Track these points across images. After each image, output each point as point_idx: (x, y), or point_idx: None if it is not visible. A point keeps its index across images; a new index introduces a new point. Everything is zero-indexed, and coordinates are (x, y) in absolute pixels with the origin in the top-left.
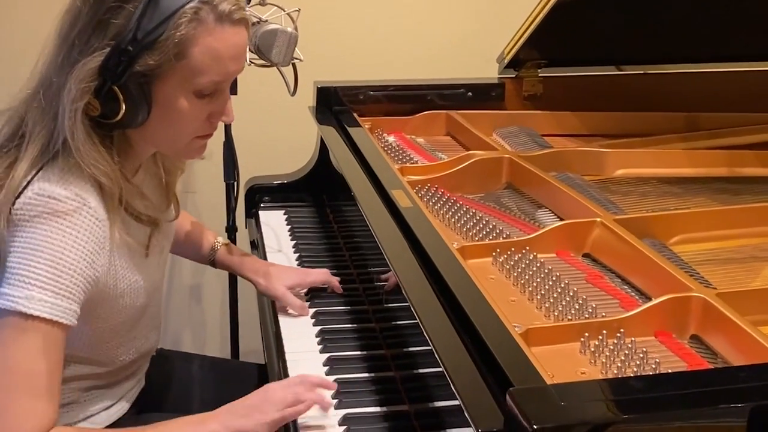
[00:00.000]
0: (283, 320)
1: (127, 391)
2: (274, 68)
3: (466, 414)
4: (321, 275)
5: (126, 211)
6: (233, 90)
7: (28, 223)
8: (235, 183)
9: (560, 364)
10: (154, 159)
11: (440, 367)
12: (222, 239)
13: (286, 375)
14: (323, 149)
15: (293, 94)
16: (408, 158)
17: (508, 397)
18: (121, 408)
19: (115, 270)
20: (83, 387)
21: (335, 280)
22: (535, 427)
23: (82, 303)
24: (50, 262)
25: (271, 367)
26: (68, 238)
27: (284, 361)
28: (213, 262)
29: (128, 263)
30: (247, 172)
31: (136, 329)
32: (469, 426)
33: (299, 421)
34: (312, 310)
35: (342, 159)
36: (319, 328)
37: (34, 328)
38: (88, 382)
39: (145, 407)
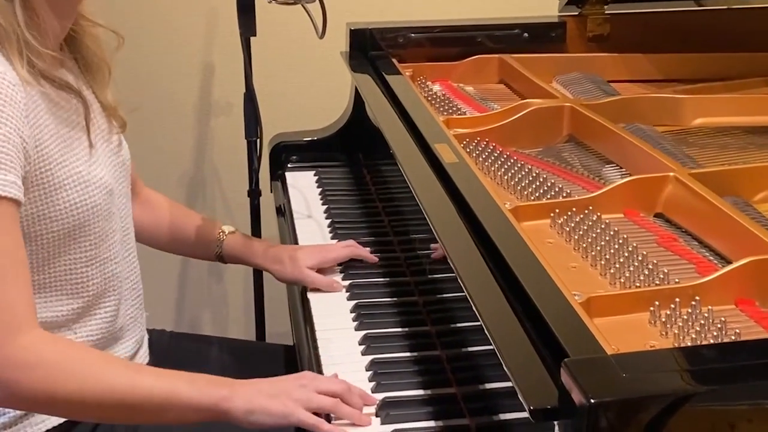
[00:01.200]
0: (313, 295)
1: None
2: (299, 6)
3: (516, 390)
4: (344, 249)
5: (45, 78)
6: (251, 31)
7: None
8: (258, 141)
9: (626, 337)
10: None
11: (491, 343)
12: (228, 228)
13: (317, 356)
14: (358, 101)
15: (322, 36)
16: (455, 109)
17: (562, 368)
18: None
19: (48, 152)
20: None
21: (364, 250)
22: (593, 401)
23: (21, 179)
24: None
25: (300, 347)
26: None
27: (315, 340)
28: (221, 257)
29: (64, 148)
30: (271, 129)
31: (101, 243)
32: (523, 409)
33: None
34: (346, 283)
35: (379, 111)
36: (354, 302)
37: None
38: (65, 327)
39: None
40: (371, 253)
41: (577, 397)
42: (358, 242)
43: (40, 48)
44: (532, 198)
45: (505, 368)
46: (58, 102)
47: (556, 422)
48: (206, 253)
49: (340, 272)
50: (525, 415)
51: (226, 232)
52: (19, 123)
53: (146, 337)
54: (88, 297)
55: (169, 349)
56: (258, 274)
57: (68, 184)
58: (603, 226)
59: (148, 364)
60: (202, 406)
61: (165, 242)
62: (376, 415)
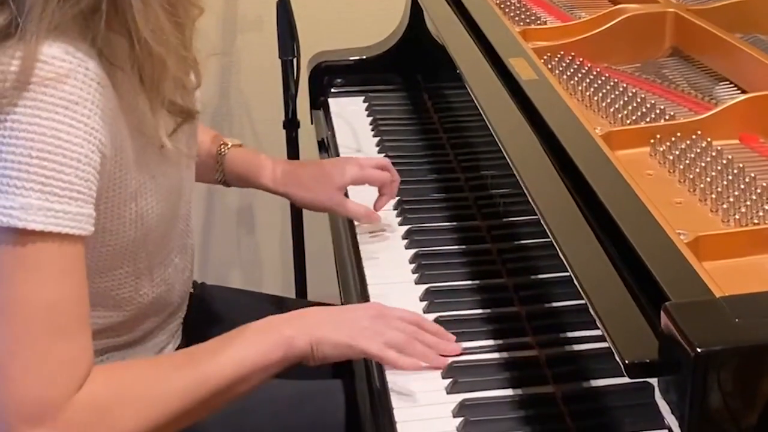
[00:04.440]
0: (363, 238)
1: (160, 348)
2: None
3: (609, 342)
4: (381, 173)
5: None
6: None
7: (4, 100)
8: (295, 60)
9: (743, 283)
10: None
11: (579, 295)
12: (232, 140)
13: None
14: (415, 11)
15: None
16: (534, 18)
17: (663, 313)
18: None
19: (125, 160)
20: (97, 350)
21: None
22: (699, 350)
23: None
24: (46, 151)
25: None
26: (64, 114)
27: (366, 297)
28: (223, 177)
29: (139, 149)
30: (310, 46)
31: (159, 250)
32: (617, 374)
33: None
34: (403, 229)
35: (442, 22)
36: (413, 251)
37: (41, 247)
38: (103, 341)
39: None
40: (433, 192)
41: (680, 345)
42: (417, 180)
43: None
44: (628, 122)
45: (594, 316)
46: (137, 106)
47: (655, 382)
48: (206, 172)
49: (397, 215)
50: (620, 380)
51: (229, 145)
52: (104, 135)
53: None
54: (133, 310)
55: (199, 304)
56: (297, 221)
57: (140, 194)
58: (714, 154)
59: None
60: (271, 361)
61: None
62: (443, 381)
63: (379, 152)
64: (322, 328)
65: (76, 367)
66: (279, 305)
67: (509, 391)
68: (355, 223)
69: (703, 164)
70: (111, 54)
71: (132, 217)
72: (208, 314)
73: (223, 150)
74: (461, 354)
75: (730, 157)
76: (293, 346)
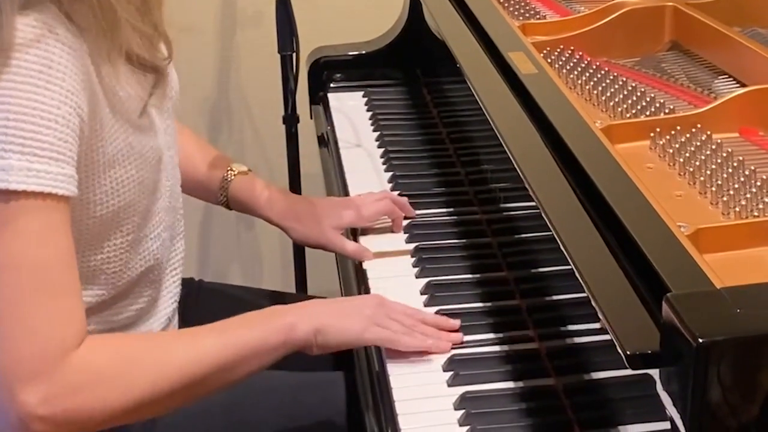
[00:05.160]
0: (365, 238)
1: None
2: None
3: (610, 333)
4: (379, 203)
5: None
6: None
7: None
8: (294, 56)
9: (742, 275)
10: None
11: (581, 287)
12: (240, 167)
13: None
14: (415, 5)
15: None
16: (533, 12)
17: (664, 304)
18: None
19: (102, 125)
20: (90, 330)
21: (403, 201)
22: (701, 341)
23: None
24: (23, 113)
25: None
26: (38, 77)
27: (368, 291)
28: (226, 202)
29: (116, 115)
30: (310, 40)
31: (144, 223)
32: (619, 366)
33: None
34: (405, 222)
35: (441, 17)
36: (414, 245)
37: (24, 207)
38: (95, 319)
39: None
40: (433, 186)
41: (682, 336)
42: (417, 175)
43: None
44: (628, 115)
45: (596, 308)
46: (99, 53)
47: (656, 374)
48: (209, 193)
49: None
50: (621, 372)
51: (236, 172)
52: (80, 98)
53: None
54: (123, 285)
55: (197, 301)
56: None
57: (118, 161)
58: (714, 147)
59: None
60: (272, 345)
61: None
62: (444, 374)
63: (379, 147)
64: (324, 316)
65: (66, 326)
66: (279, 301)
67: (510, 384)
68: None
69: (702, 157)
70: (79, 18)
71: (113, 185)
72: (207, 311)
73: (229, 176)
74: (462, 346)
75: (729, 150)
76: (295, 332)
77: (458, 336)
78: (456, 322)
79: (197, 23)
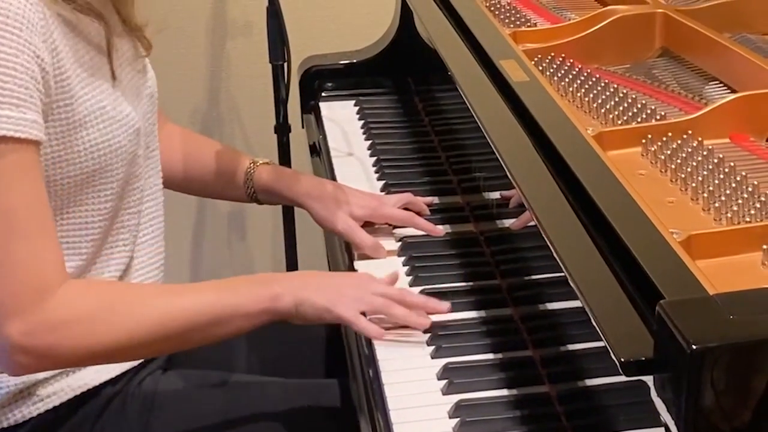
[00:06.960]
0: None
1: None
2: None
3: (604, 340)
4: (400, 212)
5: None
6: None
7: None
8: (285, 65)
9: (735, 281)
10: None
11: (574, 294)
12: (261, 159)
13: None
14: (405, 13)
15: None
16: (524, 20)
17: (658, 311)
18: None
19: (69, 83)
20: None
21: (419, 202)
22: (694, 347)
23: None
24: None
25: None
26: None
27: None
28: (254, 196)
29: (87, 79)
30: (301, 50)
31: (122, 192)
32: (613, 372)
33: (384, 365)
34: (398, 232)
35: (432, 25)
36: (407, 255)
37: None
38: None
39: (174, 363)
40: (425, 195)
41: (676, 342)
42: (409, 183)
43: None
44: (619, 122)
45: (589, 315)
46: (76, 25)
47: (650, 381)
48: (233, 189)
49: None
50: (615, 379)
51: (258, 163)
52: (39, 49)
53: None
54: (93, 252)
55: None
56: (289, 233)
57: (90, 122)
58: (705, 153)
59: None
60: (253, 311)
61: (181, 179)
62: (439, 383)
63: (371, 155)
64: (306, 290)
65: (42, 265)
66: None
67: (505, 392)
68: None
69: (694, 163)
70: None
71: (85, 146)
72: None
73: (252, 167)
74: (457, 355)
75: (720, 156)
76: (278, 302)
77: (444, 306)
78: (446, 305)
79: (188, 33)
